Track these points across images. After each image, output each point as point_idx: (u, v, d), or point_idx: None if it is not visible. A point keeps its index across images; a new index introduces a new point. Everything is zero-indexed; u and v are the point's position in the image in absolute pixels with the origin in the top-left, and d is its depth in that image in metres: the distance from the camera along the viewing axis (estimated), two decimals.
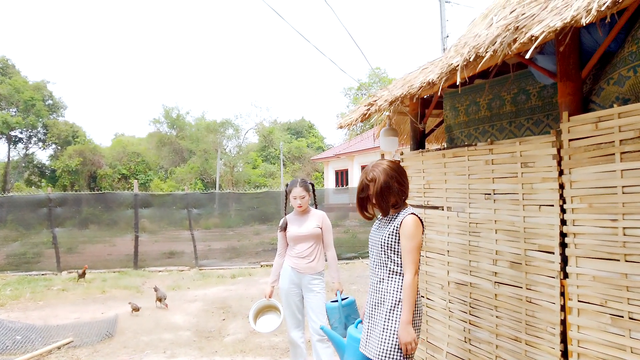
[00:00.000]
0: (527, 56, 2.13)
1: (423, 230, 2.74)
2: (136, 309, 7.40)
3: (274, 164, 36.76)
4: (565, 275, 2.71)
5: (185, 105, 58.54)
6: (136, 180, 13.78)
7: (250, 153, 35.76)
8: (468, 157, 3.44)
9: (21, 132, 33.44)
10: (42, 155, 36.27)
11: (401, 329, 2.60)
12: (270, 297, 4.46)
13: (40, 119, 32.21)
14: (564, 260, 2.71)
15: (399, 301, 2.69)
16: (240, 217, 16.14)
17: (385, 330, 2.69)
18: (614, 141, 2.42)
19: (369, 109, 3.49)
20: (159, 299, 8.09)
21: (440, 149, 3.70)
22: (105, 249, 13.68)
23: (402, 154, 4.12)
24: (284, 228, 4.41)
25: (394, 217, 2.76)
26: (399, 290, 2.71)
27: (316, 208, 4.57)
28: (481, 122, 3.63)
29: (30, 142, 34.67)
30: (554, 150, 2.76)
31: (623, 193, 2.38)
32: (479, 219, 3.36)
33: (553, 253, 2.78)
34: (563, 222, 2.71)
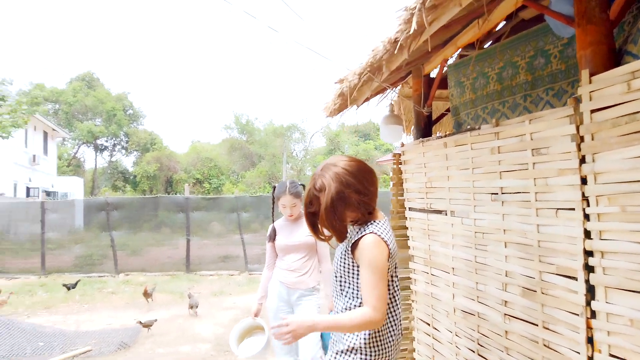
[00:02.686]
0: None
1: (390, 254, 1.91)
2: (147, 326, 6.71)
3: None
4: (593, 314, 1.82)
5: (254, 111, 60.02)
6: (187, 184, 13.90)
7: (317, 156, 35.49)
8: (471, 145, 2.59)
9: (106, 141, 35.86)
10: (127, 161, 38.63)
11: (301, 324, 1.85)
12: (257, 316, 3.84)
13: (122, 128, 34.30)
14: (591, 291, 1.83)
15: (352, 348, 1.94)
16: None
17: None
18: None
19: (341, 89, 2.76)
20: (191, 307, 7.81)
21: (442, 137, 2.88)
22: (165, 251, 13.85)
23: (402, 145, 3.32)
24: (273, 237, 3.78)
25: (353, 233, 1.99)
26: (354, 334, 1.95)
27: None
28: (490, 99, 2.75)
29: (115, 150, 37.09)
30: (573, 129, 1.88)
31: None
32: (486, 227, 2.51)
33: (576, 279, 1.90)
34: (588, 234, 1.83)
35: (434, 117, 3.46)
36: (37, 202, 14.16)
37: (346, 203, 1.85)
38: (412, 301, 3.39)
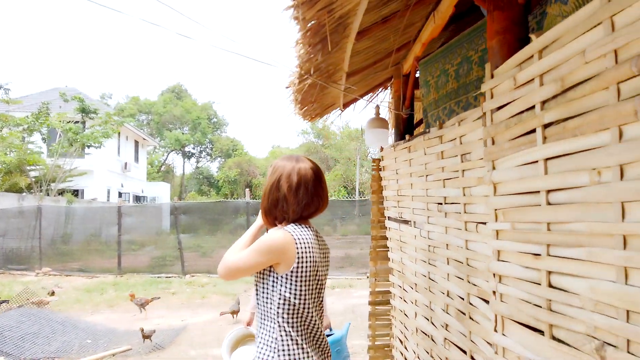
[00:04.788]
0: None
1: (299, 258, 1.79)
2: (147, 337, 6.29)
3: None
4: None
5: (330, 115, 60.48)
6: (247, 189, 14.30)
7: None
8: (425, 150, 2.37)
9: (193, 148, 38.07)
10: (212, 167, 40.80)
11: None
12: (249, 325, 3.81)
13: (206, 136, 36.24)
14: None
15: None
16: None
17: None
18: (534, 105, 1.27)
19: (294, 95, 2.63)
20: (231, 312, 7.97)
21: (406, 141, 2.66)
22: None
23: (381, 149, 3.12)
24: None
25: None
26: (269, 345, 1.85)
27: None
28: (448, 99, 2.47)
29: (201, 156, 39.26)
30: (482, 131, 1.63)
31: (548, 203, 1.22)
32: (435, 241, 2.27)
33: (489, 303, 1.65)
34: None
35: (417, 119, 3.21)
36: (125, 207, 15.30)
37: (277, 194, 1.81)
38: (392, 317, 3.17)
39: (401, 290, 2.91)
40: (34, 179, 17.06)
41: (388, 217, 3.11)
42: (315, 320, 1.89)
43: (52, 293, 9.35)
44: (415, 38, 2.68)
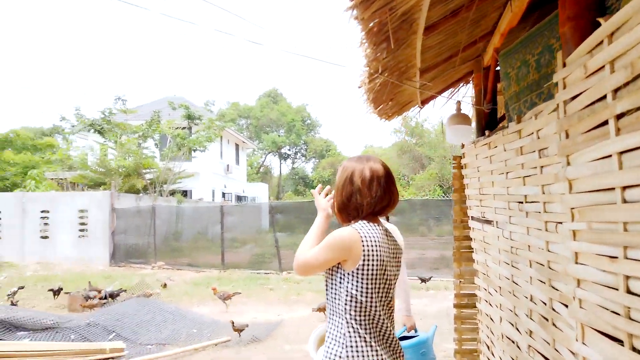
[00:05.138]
0: None
1: (364, 255, 1.81)
2: (238, 330, 6.46)
3: None
4: None
5: (422, 113, 58.74)
6: None
7: None
8: (504, 146, 2.25)
9: (289, 149, 39.34)
10: (307, 167, 41.86)
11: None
12: None
13: (301, 137, 37.26)
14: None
15: (336, 356, 1.89)
16: None
17: None
18: (606, 94, 1.16)
19: (366, 94, 2.61)
20: (319, 309, 8.09)
21: (486, 137, 2.54)
22: None
23: (463, 146, 3.00)
24: None
25: None
26: (337, 341, 1.90)
27: (387, 220, 3.77)
28: (530, 91, 2.28)
29: (296, 157, 40.43)
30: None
31: (624, 201, 1.11)
32: (517, 242, 2.15)
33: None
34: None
35: (500, 114, 3.03)
36: (227, 206, 16.30)
37: (351, 190, 1.84)
38: (479, 321, 3.04)
39: (486, 293, 2.78)
40: (149, 181, 18.78)
41: (471, 216, 2.99)
42: (384, 319, 1.88)
43: (165, 285, 10.20)
44: (493, 29, 2.55)
